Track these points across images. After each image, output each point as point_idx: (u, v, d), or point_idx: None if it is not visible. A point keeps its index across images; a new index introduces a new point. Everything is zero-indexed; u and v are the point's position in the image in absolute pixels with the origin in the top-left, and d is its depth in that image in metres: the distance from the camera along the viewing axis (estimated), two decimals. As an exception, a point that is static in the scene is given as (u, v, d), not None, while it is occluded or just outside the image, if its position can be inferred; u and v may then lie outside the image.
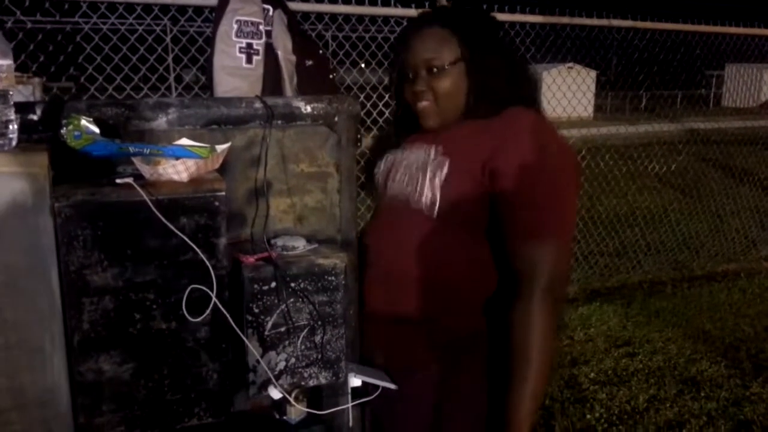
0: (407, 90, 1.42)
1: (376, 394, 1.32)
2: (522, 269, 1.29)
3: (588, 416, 3.10)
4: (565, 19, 4.38)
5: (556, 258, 1.28)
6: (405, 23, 4.79)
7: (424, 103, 1.39)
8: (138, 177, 1.05)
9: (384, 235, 1.45)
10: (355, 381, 1.28)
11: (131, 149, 1.06)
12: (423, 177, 1.37)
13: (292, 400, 1.18)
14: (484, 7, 4.04)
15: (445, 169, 1.35)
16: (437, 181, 1.35)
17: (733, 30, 5.32)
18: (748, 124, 9.21)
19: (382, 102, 4.00)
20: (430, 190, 1.35)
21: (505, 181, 1.30)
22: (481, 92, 1.37)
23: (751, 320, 4.28)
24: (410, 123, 1.48)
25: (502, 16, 4.09)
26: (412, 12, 3.75)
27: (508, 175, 1.29)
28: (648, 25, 4.76)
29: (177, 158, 1.07)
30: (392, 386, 1.34)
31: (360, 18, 4.13)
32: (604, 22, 4.54)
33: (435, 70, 1.36)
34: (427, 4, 3.77)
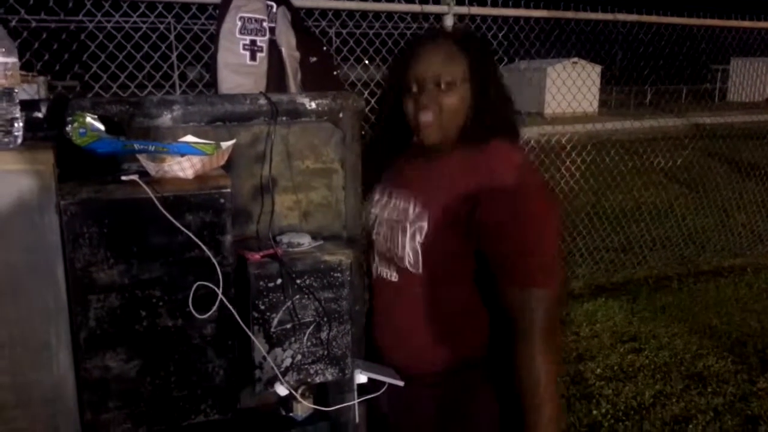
0: (409, 103, 1.39)
1: (383, 390, 1.32)
2: (517, 317, 1.31)
3: (594, 412, 3.10)
4: (570, 14, 4.36)
5: (549, 302, 1.30)
6: (408, 20, 4.79)
7: (428, 118, 1.36)
8: (143, 174, 1.05)
9: (381, 292, 1.49)
10: (362, 377, 1.28)
11: (136, 146, 1.06)
12: (403, 237, 1.39)
13: (298, 396, 1.18)
14: (489, 2, 4.04)
15: (425, 231, 1.37)
16: (417, 242, 1.37)
17: (738, 23, 5.29)
18: (755, 118, 9.16)
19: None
20: (411, 251, 1.38)
21: (491, 230, 1.31)
22: (481, 112, 1.37)
23: (758, 315, 4.26)
24: (395, 140, 1.49)
25: (507, 11, 4.08)
26: (416, 8, 3.74)
27: (494, 225, 1.31)
28: (653, 18, 4.73)
29: (182, 155, 1.07)
30: (399, 383, 1.34)
31: (363, 14, 4.12)
32: (609, 16, 4.52)
33: (444, 85, 1.35)
34: (430, -1, 3.75)
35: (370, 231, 1.51)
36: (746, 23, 5.33)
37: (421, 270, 1.38)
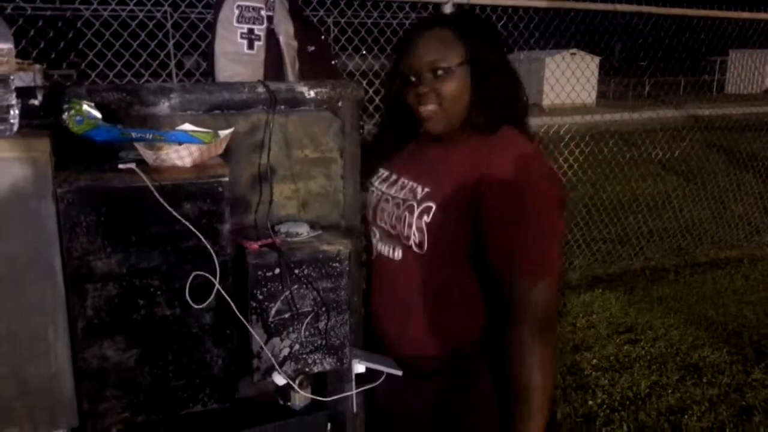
0: (410, 93, 1.38)
1: (381, 380, 1.32)
2: (514, 305, 1.31)
3: (590, 402, 3.11)
4: (570, 4, 4.34)
5: (547, 291, 1.30)
6: (407, 9, 4.77)
7: (429, 107, 1.36)
8: (141, 162, 1.04)
9: (383, 291, 1.49)
10: (360, 367, 1.28)
11: (133, 134, 1.05)
12: (410, 216, 1.38)
13: (296, 386, 1.18)
14: (488, -8, 4.02)
15: (433, 211, 1.36)
16: (423, 222, 1.36)
17: (738, 15, 5.27)
18: (753, 110, 9.16)
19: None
20: (417, 231, 1.37)
21: (492, 217, 1.31)
22: (483, 97, 1.36)
23: (754, 306, 4.28)
24: (404, 128, 1.48)
25: (506, 1, 4.06)
26: (415, -3, 3.72)
27: (496, 213, 1.31)
28: (653, 9, 4.72)
29: (180, 143, 1.06)
30: (398, 372, 1.34)
31: (362, 3, 4.10)
32: (608, 6, 4.50)
33: (440, 72, 1.34)
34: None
35: (374, 207, 1.50)
36: (745, 14, 5.32)
37: (425, 250, 1.37)
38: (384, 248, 1.47)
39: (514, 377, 1.30)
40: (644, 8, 4.64)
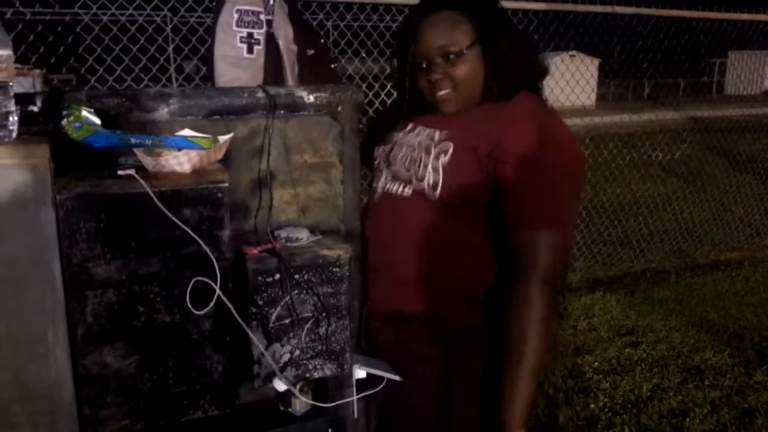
0: (421, 79, 1.37)
1: (382, 386, 1.31)
2: (521, 258, 1.28)
3: (592, 405, 3.10)
4: (569, 6, 4.35)
5: (556, 248, 1.28)
6: (407, 11, 4.76)
7: (443, 92, 1.35)
8: (140, 168, 1.04)
9: (384, 222, 1.44)
10: (360, 373, 1.28)
11: (133, 140, 1.05)
12: (426, 157, 1.36)
13: (297, 392, 1.18)
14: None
15: (450, 151, 1.34)
16: (440, 163, 1.34)
17: (737, 16, 5.28)
18: (752, 111, 9.16)
19: (384, 92, 3.98)
20: (433, 171, 1.34)
21: (507, 170, 1.29)
22: (497, 72, 1.35)
23: (755, 309, 4.27)
24: (417, 108, 1.46)
25: (506, 4, 4.05)
26: (415, 0, 3.72)
27: (511, 165, 1.29)
28: (652, 11, 4.72)
29: (179, 149, 1.06)
30: (397, 378, 1.34)
31: (361, 6, 4.10)
32: (608, 9, 4.51)
33: (452, 56, 1.33)
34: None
35: (388, 153, 1.47)
36: (744, 16, 5.32)
37: (439, 191, 1.34)
38: (392, 187, 1.43)
39: (511, 332, 1.27)
40: (643, 10, 4.64)
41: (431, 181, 1.34)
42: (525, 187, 1.28)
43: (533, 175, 1.28)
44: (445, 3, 1.40)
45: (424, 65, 1.36)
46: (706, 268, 5.11)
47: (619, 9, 4.55)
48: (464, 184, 1.33)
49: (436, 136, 1.38)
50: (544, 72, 1.44)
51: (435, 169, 1.34)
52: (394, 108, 1.53)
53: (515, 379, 1.27)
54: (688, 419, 2.99)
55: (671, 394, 3.21)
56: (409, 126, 1.47)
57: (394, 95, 1.55)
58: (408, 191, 1.39)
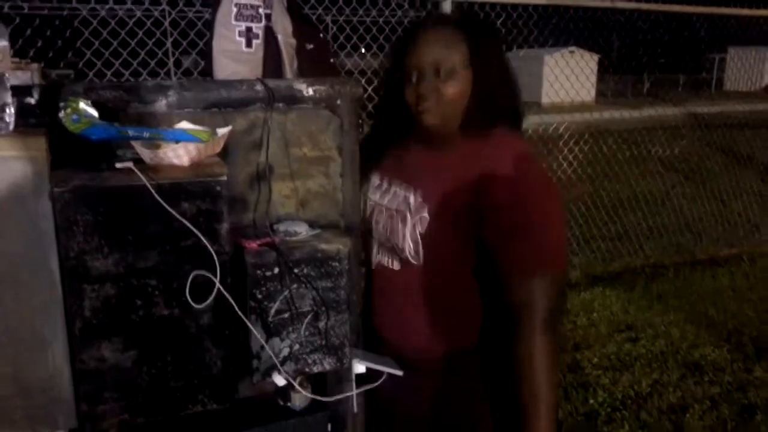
0: (410, 91, 1.36)
1: (381, 380, 1.31)
2: (520, 304, 1.30)
3: (591, 401, 3.11)
4: (569, 1, 4.33)
5: (553, 290, 1.29)
6: (405, 7, 4.75)
7: (427, 105, 1.34)
8: (138, 161, 1.03)
9: (385, 297, 1.49)
10: (360, 367, 1.27)
11: (131, 133, 1.04)
12: (404, 228, 1.38)
13: (296, 386, 1.17)
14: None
15: (428, 221, 1.36)
16: (418, 233, 1.36)
17: (738, 11, 5.26)
18: (752, 107, 9.16)
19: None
20: (413, 242, 1.37)
21: (494, 221, 1.31)
22: (482, 100, 1.35)
23: (754, 304, 4.27)
24: (397, 129, 1.46)
25: (505, -1, 4.05)
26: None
27: (498, 215, 1.30)
28: (652, 7, 4.71)
29: (177, 142, 1.05)
30: (398, 372, 1.34)
31: (360, 1, 4.09)
32: (607, 3, 4.49)
33: (443, 72, 1.32)
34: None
35: (369, 218, 1.49)
36: (745, 11, 5.30)
37: (422, 261, 1.37)
38: (383, 258, 1.47)
39: (524, 380, 1.29)
40: (643, 5, 4.63)
41: (413, 252, 1.38)
42: (512, 233, 1.30)
43: (519, 221, 1.29)
44: (445, 21, 1.40)
45: (415, 78, 1.35)
46: (705, 264, 5.11)
47: (619, 4, 4.53)
48: (445, 250, 1.36)
49: (411, 200, 1.39)
50: (522, 114, 1.44)
51: (414, 241, 1.37)
52: (381, 124, 1.52)
53: (537, 424, 1.29)
54: (687, 415, 2.99)
55: (671, 389, 3.21)
56: (384, 186, 1.48)
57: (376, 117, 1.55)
58: (397, 265, 1.43)
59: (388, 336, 1.48)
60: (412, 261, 1.38)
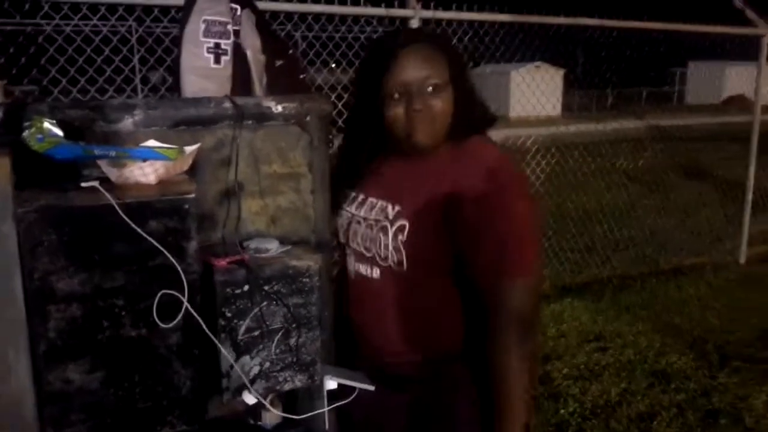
0: (394, 109, 1.35)
1: (353, 396, 1.31)
2: (495, 308, 1.31)
3: (562, 411, 3.14)
4: (534, 18, 4.42)
5: (528, 292, 1.31)
6: (374, 24, 4.80)
7: (422, 123, 1.34)
8: (104, 180, 1.02)
9: (364, 306, 1.48)
10: (331, 384, 1.27)
11: (96, 152, 1.03)
12: (385, 238, 1.39)
13: (267, 404, 1.17)
14: (453, 6, 4.07)
15: (407, 229, 1.36)
16: (400, 242, 1.37)
17: (696, 28, 5.43)
18: (713, 120, 9.42)
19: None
20: (395, 251, 1.37)
21: (471, 226, 1.32)
22: (463, 112, 1.38)
23: (718, 312, 4.38)
24: (371, 146, 1.45)
25: (470, 15, 4.11)
26: (382, 11, 3.74)
27: (474, 220, 1.31)
28: (615, 23, 4.83)
29: (144, 160, 1.05)
30: (370, 387, 1.34)
31: (330, 17, 4.11)
32: (572, 20, 4.59)
33: (431, 88, 1.33)
34: (396, 2, 3.76)
35: (346, 230, 1.49)
36: (703, 28, 5.48)
37: (405, 268, 1.37)
38: (360, 268, 1.47)
39: (498, 381, 1.30)
40: (606, 22, 4.75)
41: (395, 260, 1.38)
42: (488, 238, 1.31)
43: (495, 225, 1.31)
44: (424, 38, 1.41)
45: (397, 96, 1.34)
46: (670, 274, 5.22)
47: (583, 21, 4.64)
48: (427, 256, 1.37)
49: (390, 212, 1.40)
50: (492, 119, 1.48)
51: (396, 249, 1.37)
52: (353, 140, 1.51)
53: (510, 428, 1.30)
54: (655, 422, 3.04)
55: (639, 398, 3.26)
56: (360, 198, 1.48)
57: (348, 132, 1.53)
58: (377, 273, 1.43)
59: (368, 345, 1.47)
60: (395, 269, 1.38)
